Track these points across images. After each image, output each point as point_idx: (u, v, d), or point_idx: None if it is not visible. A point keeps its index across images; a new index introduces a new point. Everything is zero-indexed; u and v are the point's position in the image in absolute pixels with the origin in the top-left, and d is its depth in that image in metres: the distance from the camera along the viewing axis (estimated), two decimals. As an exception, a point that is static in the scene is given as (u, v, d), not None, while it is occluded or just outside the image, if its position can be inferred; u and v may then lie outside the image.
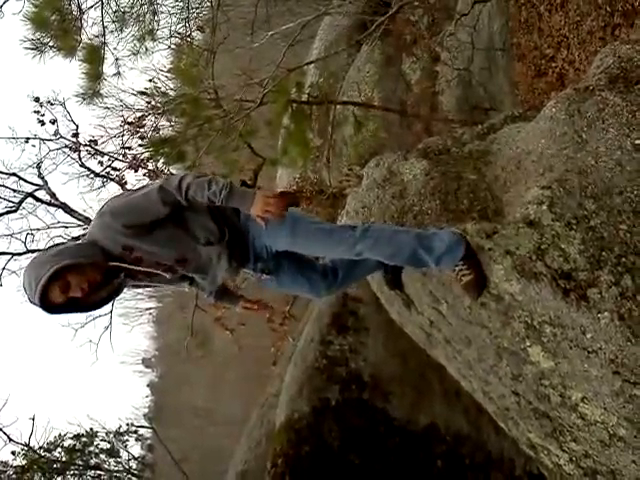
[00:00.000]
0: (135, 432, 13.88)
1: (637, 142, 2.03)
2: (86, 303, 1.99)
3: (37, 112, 7.80)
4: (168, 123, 6.82)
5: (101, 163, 7.77)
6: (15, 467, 9.95)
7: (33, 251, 7.82)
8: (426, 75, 8.10)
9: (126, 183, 7.60)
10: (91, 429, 12.32)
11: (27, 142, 8.31)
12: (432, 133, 6.80)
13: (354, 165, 7.97)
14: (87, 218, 7.95)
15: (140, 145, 6.91)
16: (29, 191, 8.42)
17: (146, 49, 5.96)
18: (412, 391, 4.42)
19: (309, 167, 8.30)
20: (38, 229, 8.34)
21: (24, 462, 10.09)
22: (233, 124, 5.64)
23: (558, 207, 1.99)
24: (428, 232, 2.18)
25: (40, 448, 10.51)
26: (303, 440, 4.19)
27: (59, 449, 11.34)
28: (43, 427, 13.87)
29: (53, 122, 7.97)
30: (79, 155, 8.09)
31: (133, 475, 13.22)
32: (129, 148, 7.14)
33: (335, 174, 7.80)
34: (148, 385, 23.80)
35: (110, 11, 5.57)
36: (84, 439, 12.02)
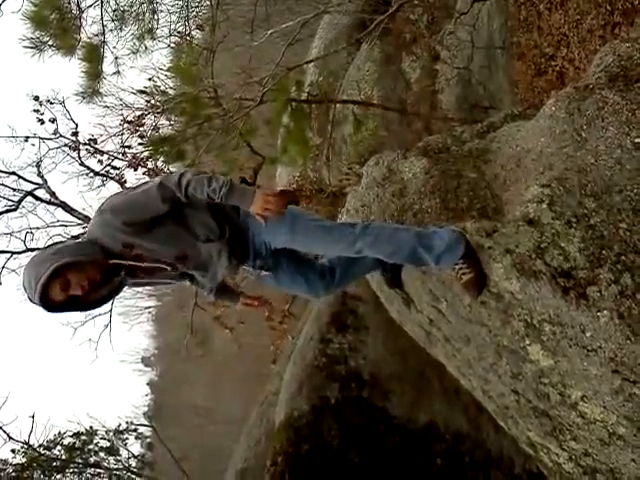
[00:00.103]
0: (135, 430, 13.89)
1: (637, 140, 2.03)
2: (86, 301, 1.98)
3: (37, 111, 7.81)
4: (168, 122, 6.80)
5: (101, 162, 7.76)
6: (15, 465, 9.94)
7: (33, 250, 7.82)
8: (426, 74, 8.09)
9: (126, 182, 7.61)
10: (91, 427, 12.31)
11: (27, 141, 8.34)
12: (432, 131, 6.78)
13: (354, 164, 7.96)
14: (87, 217, 7.95)
15: (140, 144, 6.90)
16: (29, 190, 8.45)
17: (145, 48, 5.96)
18: (412, 389, 4.41)
19: (309, 166, 8.28)
20: (38, 228, 8.37)
21: (24, 460, 10.09)
22: (233, 123, 5.63)
23: (558, 205, 1.99)
24: (428, 230, 2.18)
25: (40, 446, 10.49)
26: (303, 438, 4.18)
27: (59, 447, 11.32)
28: (43, 425, 13.93)
29: (53, 121, 7.98)
30: (79, 154, 8.10)
31: (133, 473, 13.22)
32: (129, 147, 7.13)
33: (335, 173, 7.81)
34: (148, 384, 23.87)
35: (109, 10, 5.59)
36: (84, 437, 12.00)
